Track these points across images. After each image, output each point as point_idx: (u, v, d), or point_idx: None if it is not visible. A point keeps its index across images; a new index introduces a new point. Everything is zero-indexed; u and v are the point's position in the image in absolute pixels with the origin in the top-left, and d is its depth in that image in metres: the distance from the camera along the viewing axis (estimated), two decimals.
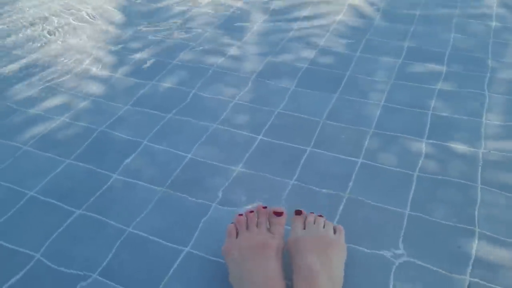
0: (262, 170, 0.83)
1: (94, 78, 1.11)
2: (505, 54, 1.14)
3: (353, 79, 1.06)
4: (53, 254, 0.70)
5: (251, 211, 0.68)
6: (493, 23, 1.27)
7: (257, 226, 0.66)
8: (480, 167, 0.82)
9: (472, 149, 0.86)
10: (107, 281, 0.66)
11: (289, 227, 0.68)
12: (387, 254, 0.68)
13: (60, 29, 1.31)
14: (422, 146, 0.87)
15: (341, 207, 0.76)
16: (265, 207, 0.68)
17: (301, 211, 0.69)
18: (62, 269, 0.68)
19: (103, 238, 0.72)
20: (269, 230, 0.65)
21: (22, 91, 1.07)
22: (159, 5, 1.43)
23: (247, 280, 0.59)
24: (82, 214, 0.76)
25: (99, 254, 0.69)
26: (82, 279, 0.66)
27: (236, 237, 0.65)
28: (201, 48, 1.21)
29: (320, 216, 0.69)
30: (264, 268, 0.59)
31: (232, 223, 0.68)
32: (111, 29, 1.31)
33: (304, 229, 0.66)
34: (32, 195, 0.80)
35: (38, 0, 1.47)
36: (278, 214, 0.67)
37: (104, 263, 0.68)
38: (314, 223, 0.66)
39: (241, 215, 0.68)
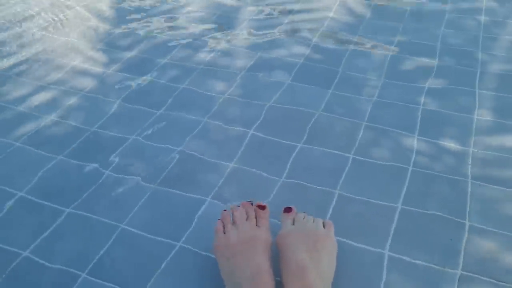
0: (254, 166, 0.83)
1: (85, 74, 1.10)
2: (495, 48, 1.14)
3: (345, 75, 1.06)
4: (43, 252, 0.69)
5: (237, 206, 0.68)
6: (483, 17, 1.28)
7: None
8: (470, 162, 0.83)
9: (462, 145, 0.86)
10: (97, 280, 0.65)
11: (275, 221, 0.68)
12: (379, 249, 0.68)
13: (50, 27, 1.30)
14: (414, 141, 0.87)
15: (333, 203, 0.76)
16: (250, 202, 0.68)
17: (291, 208, 0.69)
18: (52, 267, 0.67)
19: (94, 235, 0.72)
20: (256, 224, 0.65)
21: (12, 88, 1.06)
22: (148, 1, 1.42)
23: (237, 275, 0.58)
24: (72, 211, 0.75)
25: (90, 252, 0.69)
26: (73, 277, 0.66)
27: (224, 232, 0.65)
28: (191, 43, 1.20)
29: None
30: (254, 262, 0.59)
31: (218, 219, 0.68)
32: (101, 26, 1.30)
33: (293, 224, 0.66)
34: (21, 193, 0.79)
35: None
36: (261, 207, 0.67)
37: (95, 260, 0.68)
38: (303, 219, 0.66)
39: (226, 210, 0.68)
